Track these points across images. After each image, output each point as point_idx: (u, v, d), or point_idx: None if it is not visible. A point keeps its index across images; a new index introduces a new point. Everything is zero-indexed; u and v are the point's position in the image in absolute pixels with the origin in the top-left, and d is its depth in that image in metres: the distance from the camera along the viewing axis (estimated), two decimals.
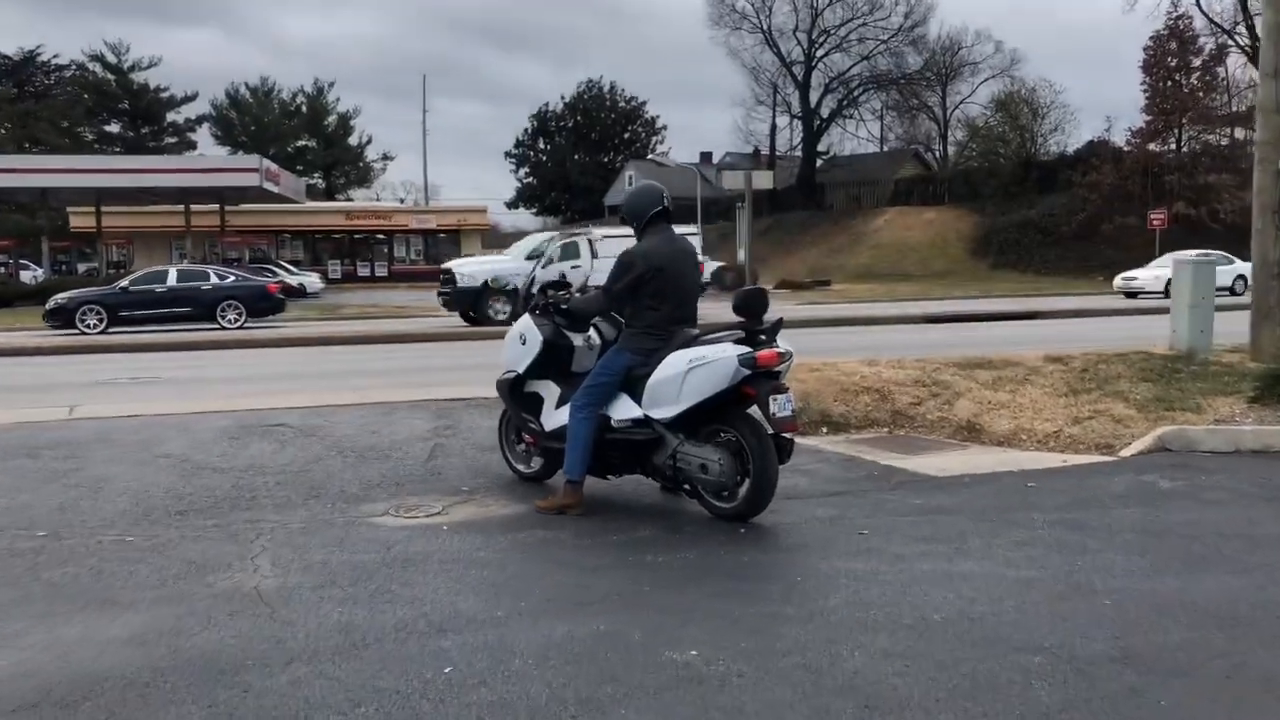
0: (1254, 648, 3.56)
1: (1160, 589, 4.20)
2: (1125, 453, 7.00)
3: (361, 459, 6.75)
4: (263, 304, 23.74)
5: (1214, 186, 41.50)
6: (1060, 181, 46.90)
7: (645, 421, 5.33)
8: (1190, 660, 3.44)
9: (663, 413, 5.25)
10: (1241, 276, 26.82)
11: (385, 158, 78.90)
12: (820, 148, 64.98)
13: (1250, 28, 42.35)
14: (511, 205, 79.67)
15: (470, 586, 4.28)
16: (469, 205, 59.30)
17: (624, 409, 5.41)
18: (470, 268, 21.84)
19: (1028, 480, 6.27)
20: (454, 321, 21.45)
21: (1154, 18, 64.94)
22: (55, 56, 62.87)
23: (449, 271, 21.96)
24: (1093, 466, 6.70)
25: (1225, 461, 6.78)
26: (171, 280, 23.58)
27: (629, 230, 5.74)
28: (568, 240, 21.45)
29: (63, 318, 21.86)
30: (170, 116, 65.24)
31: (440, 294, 22.36)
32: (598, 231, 22.36)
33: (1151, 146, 44.26)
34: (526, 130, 78.56)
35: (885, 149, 67.51)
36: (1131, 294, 28.92)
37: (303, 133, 72.82)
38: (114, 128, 64.16)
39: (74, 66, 63.18)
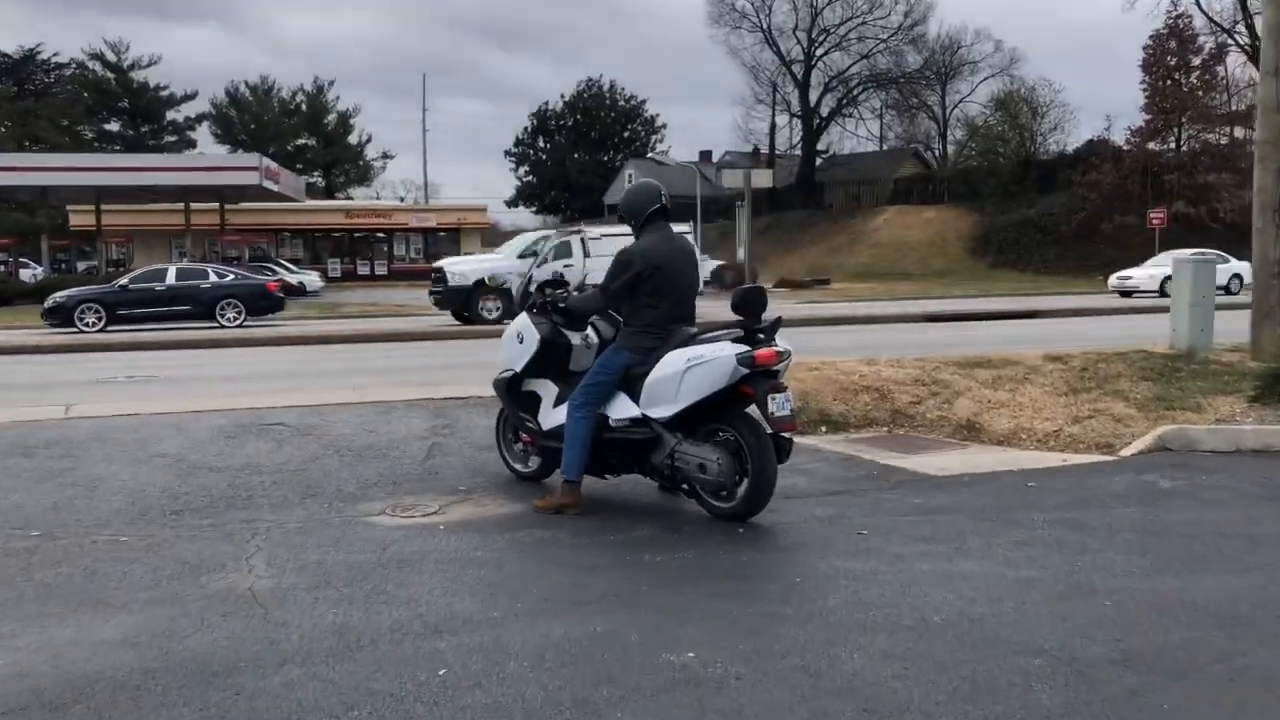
0: (1255, 648, 3.53)
1: (1161, 589, 4.17)
2: (1125, 452, 6.98)
3: (359, 458, 6.72)
4: (262, 302, 23.70)
5: (1213, 186, 41.47)
6: (1060, 181, 46.89)
7: (643, 421, 5.30)
8: (1191, 662, 3.42)
9: (661, 412, 5.22)
10: (1237, 275, 26.81)
11: (385, 156, 79.17)
12: (820, 146, 65.00)
13: (1250, 27, 42.32)
14: (511, 204, 79.71)
15: (466, 587, 4.25)
16: (469, 204, 59.32)
17: (622, 408, 5.38)
18: (462, 267, 21.78)
19: (1028, 479, 6.24)
20: (452, 320, 21.41)
21: (1153, 16, 64.84)
22: (55, 55, 62.97)
23: (440, 270, 21.89)
24: (1093, 466, 6.67)
25: (1226, 461, 6.75)
26: (170, 279, 23.54)
27: (624, 229, 5.71)
28: (561, 240, 21.38)
29: (61, 316, 21.81)
30: (170, 115, 65.26)
31: (432, 293, 22.29)
32: (594, 230, 22.30)
33: (1151, 145, 44.23)
34: (526, 129, 78.61)
35: (885, 148, 67.54)
36: (1126, 293, 28.86)
37: (303, 131, 72.84)
38: (114, 126, 64.22)
39: (74, 65, 63.28)
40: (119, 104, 63.22)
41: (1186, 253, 21.03)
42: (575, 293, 6.04)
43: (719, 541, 4.93)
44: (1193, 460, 6.73)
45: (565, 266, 19.19)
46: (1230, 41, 45.26)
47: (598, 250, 19.33)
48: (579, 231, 21.88)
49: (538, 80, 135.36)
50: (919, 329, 18.93)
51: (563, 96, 77.81)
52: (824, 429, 7.81)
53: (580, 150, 76.17)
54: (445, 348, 16.44)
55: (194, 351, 16.90)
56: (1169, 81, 43.79)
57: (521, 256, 21.17)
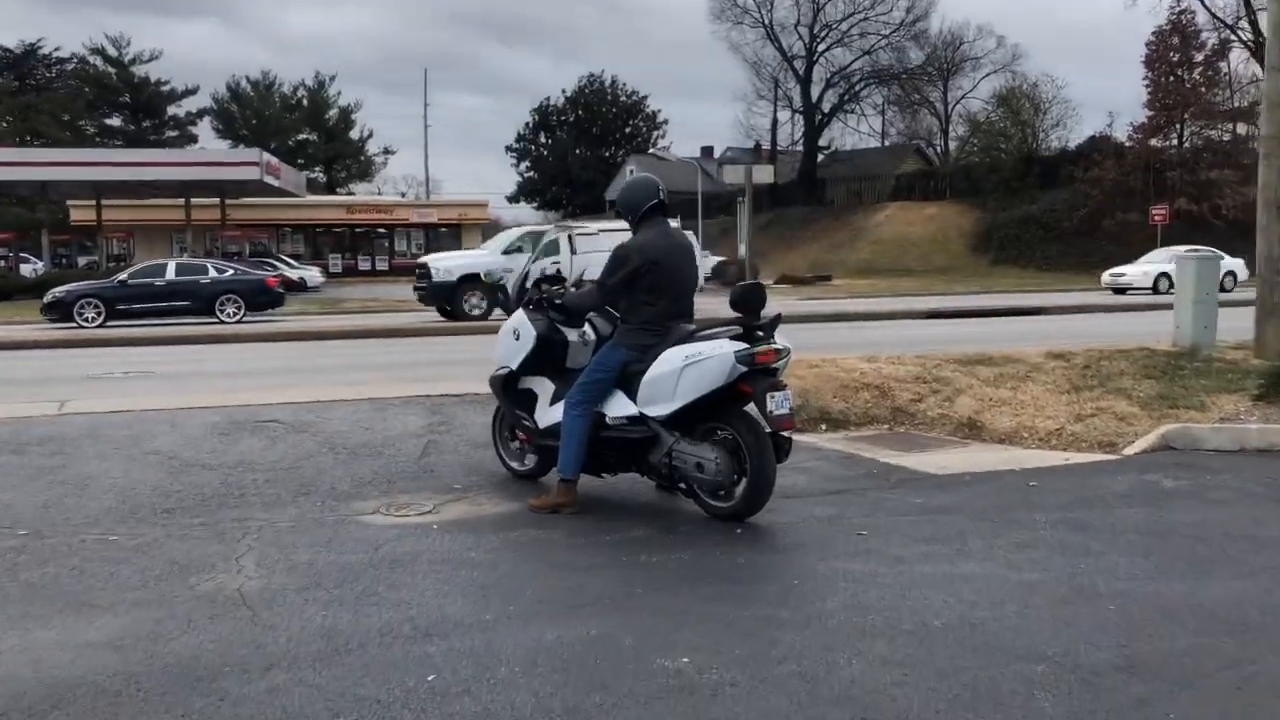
0: (1265, 655, 3.45)
1: (1166, 592, 4.10)
2: (1128, 451, 6.90)
3: (353, 456, 6.65)
4: (261, 298, 23.62)
5: (1216, 182, 41.37)
6: (1062, 177, 46.80)
7: (640, 419, 5.23)
8: (1199, 668, 3.34)
9: (658, 410, 5.14)
10: (1230, 273, 26.65)
11: (386, 151, 79.10)
12: (821, 142, 64.88)
13: (1253, 23, 42.19)
14: (512, 199, 79.54)
15: (459, 588, 4.18)
16: (470, 199, 59.34)
17: (619, 406, 5.31)
18: (446, 262, 21.73)
19: (1029, 479, 6.16)
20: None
21: (1156, 12, 64.37)
22: (56, 50, 62.95)
23: (425, 266, 21.87)
24: (1095, 465, 6.60)
25: (1230, 460, 6.67)
26: (170, 274, 23.45)
27: (622, 224, 5.63)
28: (549, 240, 21.24)
29: (60, 311, 21.72)
30: (171, 110, 65.33)
31: (416, 289, 22.27)
32: (592, 226, 22.19)
33: (1153, 142, 44.09)
34: (528, 124, 78.36)
35: (886, 144, 67.38)
36: (1120, 290, 28.75)
37: (304, 126, 72.72)
38: (115, 121, 64.19)
39: (75, 60, 63.24)
40: (120, 99, 63.21)
41: (1180, 249, 20.95)
42: (572, 289, 5.97)
43: (716, 542, 4.85)
44: (1197, 459, 6.65)
45: (553, 264, 19.10)
46: (1233, 37, 45.19)
47: (583, 248, 19.25)
48: (566, 228, 21.80)
49: (539, 75, 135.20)
50: (920, 325, 18.85)
51: (564, 92, 77.72)
52: (824, 427, 7.73)
53: (582, 146, 75.99)
54: (444, 344, 16.35)
55: (192, 347, 16.84)
56: (1171, 77, 43.64)
57: (506, 252, 21.08)
